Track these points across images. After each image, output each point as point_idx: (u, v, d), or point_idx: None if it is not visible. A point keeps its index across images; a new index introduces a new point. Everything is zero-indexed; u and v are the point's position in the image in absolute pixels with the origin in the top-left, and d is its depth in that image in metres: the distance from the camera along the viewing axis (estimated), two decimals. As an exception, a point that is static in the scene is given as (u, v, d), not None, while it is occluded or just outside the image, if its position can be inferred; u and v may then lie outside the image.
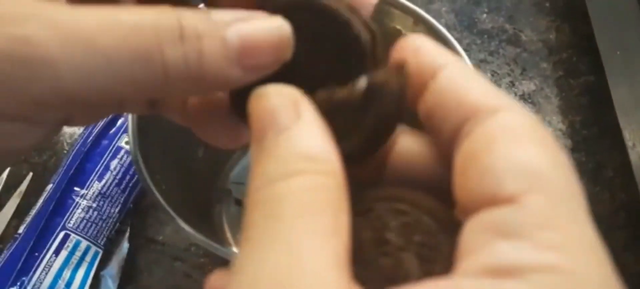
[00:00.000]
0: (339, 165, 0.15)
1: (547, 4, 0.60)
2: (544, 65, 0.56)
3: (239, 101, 0.19)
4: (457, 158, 0.15)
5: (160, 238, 0.47)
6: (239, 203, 0.45)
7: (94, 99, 0.15)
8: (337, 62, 0.18)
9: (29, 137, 0.17)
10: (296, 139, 0.14)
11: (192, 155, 0.42)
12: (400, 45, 0.17)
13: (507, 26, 0.58)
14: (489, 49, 0.57)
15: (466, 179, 0.14)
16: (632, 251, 0.44)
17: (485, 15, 0.59)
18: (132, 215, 0.47)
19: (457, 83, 0.16)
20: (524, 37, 0.58)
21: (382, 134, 0.17)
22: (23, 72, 0.14)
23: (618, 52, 0.48)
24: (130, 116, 0.34)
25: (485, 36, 0.58)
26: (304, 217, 0.13)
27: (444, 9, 0.60)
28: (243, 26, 0.16)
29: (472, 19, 0.59)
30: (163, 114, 0.22)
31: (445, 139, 0.16)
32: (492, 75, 0.55)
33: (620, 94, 0.47)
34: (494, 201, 0.13)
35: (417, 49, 0.17)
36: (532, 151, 0.14)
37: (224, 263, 0.44)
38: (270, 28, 0.17)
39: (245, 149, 0.46)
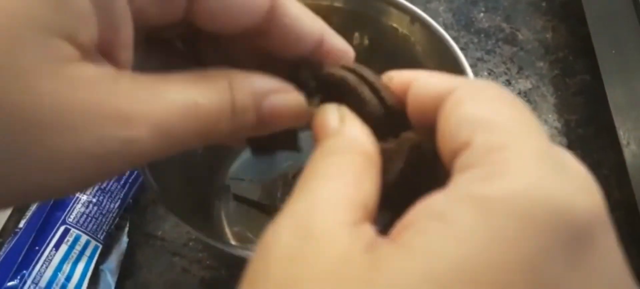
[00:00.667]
0: (373, 149, 0.19)
1: (544, 4, 0.60)
2: (540, 64, 0.56)
3: (254, 139, 0.24)
4: (437, 137, 0.18)
5: (160, 233, 0.47)
6: (238, 199, 0.45)
7: (156, 158, 0.19)
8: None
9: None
10: (339, 134, 0.19)
11: (191, 151, 0.42)
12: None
13: (504, 25, 0.59)
14: (485, 47, 0.57)
15: (442, 147, 0.17)
16: (627, 249, 0.45)
17: (482, 14, 0.60)
18: (132, 211, 0.47)
19: (423, 86, 0.19)
20: (520, 36, 0.58)
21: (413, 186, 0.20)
22: (121, 161, 0.17)
23: (613, 52, 0.49)
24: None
25: (482, 35, 0.58)
26: (326, 176, 0.17)
27: (441, 8, 0.60)
28: (275, 99, 0.20)
29: (470, 18, 0.59)
30: None
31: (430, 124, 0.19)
32: (489, 73, 0.56)
33: (615, 93, 0.48)
34: (456, 152, 0.16)
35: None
36: (475, 105, 0.17)
37: (221, 258, 0.44)
38: (294, 101, 0.21)
39: (237, 151, 0.47)
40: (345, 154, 0.18)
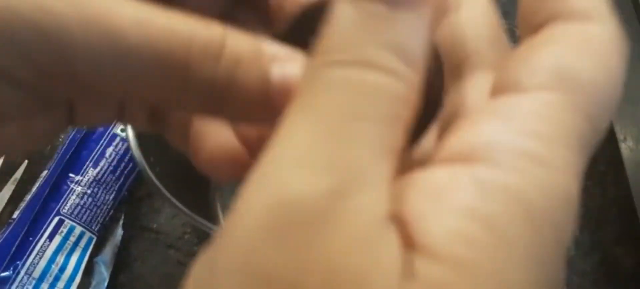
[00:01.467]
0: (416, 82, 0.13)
1: None
2: (538, 60, 0.56)
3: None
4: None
5: (154, 225, 0.47)
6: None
7: (100, 86, 0.14)
8: None
9: (33, 127, 0.16)
10: (372, 30, 0.12)
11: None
12: None
13: (502, 22, 0.59)
14: (483, 44, 0.57)
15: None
16: (623, 245, 0.45)
17: (480, 10, 0.60)
18: (127, 203, 0.47)
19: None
20: (518, 33, 0.58)
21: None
22: (40, 42, 0.13)
23: (611, 48, 0.49)
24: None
25: (481, 31, 0.58)
26: (366, 116, 0.11)
27: None
28: (291, 67, 0.14)
29: (468, 14, 0.59)
30: (164, 135, 0.20)
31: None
32: (487, 70, 0.56)
33: (612, 89, 0.48)
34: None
35: None
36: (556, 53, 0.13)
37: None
38: None
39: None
40: (387, 75, 0.12)
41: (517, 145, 0.11)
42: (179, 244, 0.46)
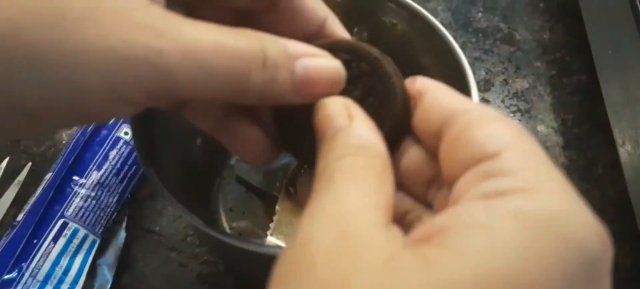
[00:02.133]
0: (385, 150, 0.19)
1: (542, 4, 0.61)
2: (538, 64, 0.56)
3: (280, 115, 0.24)
4: (443, 146, 0.19)
5: (157, 228, 0.47)
6: (239, 180, 0.45)
7: (191, 99, 0.20)
8: (371, 97, 0.22)
9: (121, 113, 0.20)
10: (350, 134, 0.19)
11: (190, 143, 0.42)
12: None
13: (502, 25, 0.59)
14: (483, 47, 0.58)
15: (453, 155, 0.18)
16: (621, 246, 0.45)
17: (480, 14, 0.60)
18: (130, 205, 0.47)
19: (440, 98, 0.20)
20: (518, 36, 0.58)
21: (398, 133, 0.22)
22: (151, 74, 0.18)
23: (609, 52, 0.49)
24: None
25: (480, 35, 0.59)
26: (352, 179, 0.17)
27: (440, 7, 0.61)
28: (308, 62, 0.20)
29: (468, 17, 0.60)
30: (187, 118, 0.25)
31: (429, 140, 0.20)
32: (487, 73, 0.56)
33: (610, 93, 0.48)
34: (479, 160, 0.17)
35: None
36: (502, 127, 0.18)
37: (218, 253, 0.44)
38: (330, 67, 0.21)
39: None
40: (362, 156, 0.18)
41: (520, 186, 0.16)
42: (181, 247, 0.46)
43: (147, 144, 0.33)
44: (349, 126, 0.19)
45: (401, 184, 0.21)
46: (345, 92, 0.21)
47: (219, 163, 0.46)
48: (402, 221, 0.21)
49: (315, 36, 0.23)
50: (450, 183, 0.18)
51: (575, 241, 0.15)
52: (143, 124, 0.34)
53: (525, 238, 0.14)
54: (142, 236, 0.47)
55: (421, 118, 0.21)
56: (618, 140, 0.47)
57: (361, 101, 0.21)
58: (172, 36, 0.18)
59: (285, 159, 0.46)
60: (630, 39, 0.46)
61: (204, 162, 0.44)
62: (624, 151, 0.46)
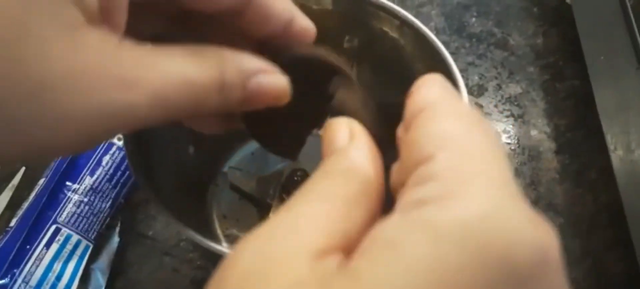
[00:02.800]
0: (375, 177, 0.18)
1: (535, 10, 0.61)
2: (531, 69, 0.57)
3: (248, 117, 0.26)
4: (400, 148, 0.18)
5: (150, 233, 0.47)
6: (233, 188, 0.45)
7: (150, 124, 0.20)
8: (315, 91, 0.24)
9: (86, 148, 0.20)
10: (342, 156, 0.19)
11: (183, 152, 0.42)
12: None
13: (496, 30, 0.59)
14: (477, 52, 0.58)
15: (401, 157, 0.18)
16: (613, 251, 0.45)
17: (474, 19, 0.60)
18: (123, 210, 0.47)
19: (417, 93, 0.19)
20: (511, 41, 0.59)
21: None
22: (121, 123, 0.18)
23: (602, 58, 0.49)
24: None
25: (474, 39, 0.59)
26: (313, 200, 0.17)
27: (433, 12, 0.61)
28: (261, 79, 0.21)
29: (462, 22, 0.60)
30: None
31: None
32: (480, 78, 0.56)
33: (603, 98, 0.48)
34: (417, 163, 0.16)
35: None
36: (449, 123, 0.17)
37: (212, 258, 0.44)
38: (278, 84, 0.22)
39: (241, 142, 0.47)
40: (341, 177, 0.18)
41: (441, 191, 0.15)
42: (174, 252, 0.46)
43: (140, 153, 0.33)
44: (346, 148, 0.19)
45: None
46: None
47: (212, 171, 0.46)
48: None
49: (282, 33, 0.24)
50: (402, 186, 0.17)
51: (495, 251, 0.13)
52: (135, 133, 0.34)
53: (433, 255, 0.13)
54: (135, 241, 0.47)
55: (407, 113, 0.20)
56: (610, 145, 0.47)
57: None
58: (143, 86, 0.18)
59: (278, 166, 0.46)
60: (622, 45, 0.46)
61: (197, 170, 0.44)
62: (616, 157, 0.46)
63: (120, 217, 0.47)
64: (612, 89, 0.48)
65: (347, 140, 0.19)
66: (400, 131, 0.19)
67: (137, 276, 0.45)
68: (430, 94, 0.18)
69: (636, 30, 0.43)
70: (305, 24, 0.24)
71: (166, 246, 0.46)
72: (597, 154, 0.50)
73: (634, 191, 0.45)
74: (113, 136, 0.21)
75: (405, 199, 0.15)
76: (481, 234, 0.13)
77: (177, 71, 0.19)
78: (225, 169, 0.46)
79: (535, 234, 0.14)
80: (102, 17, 0.18)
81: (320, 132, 0.21)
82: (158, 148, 0.37)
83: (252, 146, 0.47)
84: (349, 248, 0.16)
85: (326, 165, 0.18)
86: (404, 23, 0.35)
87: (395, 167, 0.18)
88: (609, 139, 0.47)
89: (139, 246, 0.46)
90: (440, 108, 0.18)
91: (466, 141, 0.16)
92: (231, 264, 0.15)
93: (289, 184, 0.42)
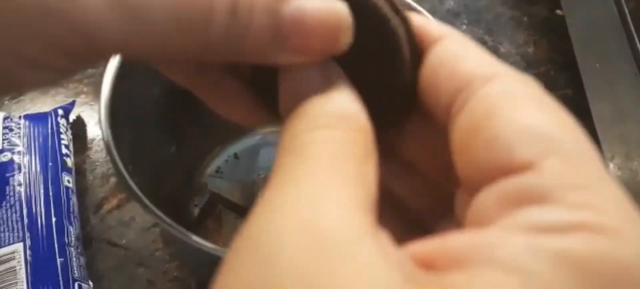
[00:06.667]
0: (368, 124, 0.14)
1: (525, 19, 0.60)
2: (523, 78, 0.56)
3: (259, 76, 0.18)
4: (455, 133, 0.14)
5: (123, 241, 0.44)
6: (215, 198, 0.42)
7: (126, 56, 0.15)
8: (375, 54, 0.17)
9: (39, 80, 0.16)
10: (326, 99, 0.14)
11: (164, 150, 0.40)
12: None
13: (486, 38, 0.58)
14: (468, 60, 0.57)
15: (470, 153, 0.13)
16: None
17: (464, 26, 0.59)
18: (93, 217, 0.44)
19: (452, 54, 0.15)
20: (502, 50, 0.58)
21: (404, 101, 0.17)
22: (62, 27, 0.13)
23: (597, 65, 0.48)
24: (102, 107, 0.31)
25: (465, 47, 0.58)
26: (329, 163, 0.13)
27: (423, 19, 0.60)
28: (304, 2, 0.14)
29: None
30: (163, 71, 0.20)
31: (441, 117, 0.15)
32: (472, 85, 0.55)
33: (599, 107, 0.48)
34: (508, 170, 0.12)
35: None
36: (538, 114, 0.13)
37: (190, 268, 0.41)
38: (334, 11, 0.15)
39: (223, 144, 0.44)
40: (341, 130, 0.14)
41: (580, 220, 0.12)
42: (149, 262, 0.43)
43: (121, 152, 0.30)
44: (327, 89, 0.15)
45: (412, 166, 0.17)
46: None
47: (196, 172, 0.43)
48: (410, 214, 0.18)
49: None
50: (468, 188, 0.14)
51: None
52: (114, 125, 0.31)
53: None
54: (106, 250, 0.43)
55: (428, 82, 0.15)
56: (607, 155, 0.46)
57: (351, 61, 0.16)
58: None
59: (264, 171, 0.43)
60: (619, 51, 0.45)
61: (179, 167, 0.41)
62: (614, 166, 0.45)
63: (91, 223, 0.43)
64: (608, 97, 0.47)
65: (326, 82, 0.15)
66: (428, 82, 0.15)
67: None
68: (482, 64, 0.14)
69: (635, 35, 0.43)
70: None
71: (140, 256, 0.43)
72: (593, 164, 0.48)
73: (633, 200, 0.44)
74: (57, 52, 0.13)
75: (507, 217, 0.12)
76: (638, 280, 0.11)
77: None
78: (205, 177, 0.43)
79: None
80: None
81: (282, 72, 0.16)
82: (137, 147, 0.34)
83: (236, 147, 0.44)
84: (376, 215, 0.13)
85: (310, 115, 0.14)
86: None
87: (457, 152, 0.14)
88: (605, 148, 0.46)
89: (110, 257, 0.43)
90: (518, 88, 0.14)
91: (567, 142, 0.13)
92: (273, 263, 0.11)
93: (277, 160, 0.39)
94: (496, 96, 0.13)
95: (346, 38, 0.15)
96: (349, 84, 0.15)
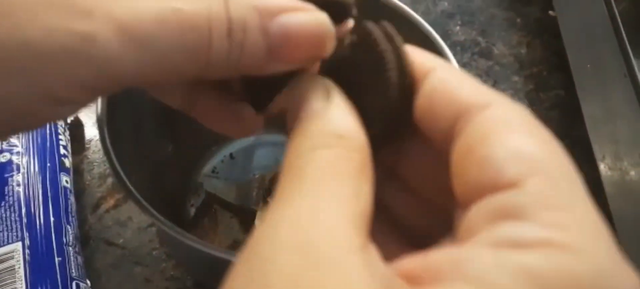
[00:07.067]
0: (365, 143, 0.16)
1: (519, 20, 0.61)
2: (515, 78, 0.56)
3: (250, 85, 0.20)
4: (454, 155, 0.15)
5: (121, 241, 0.44)
6: (211, 198, 0.43)
7: (136, 84, 0.16)
8: (366, 75, 0.18)
9: (57, 115, 0.17)
10: (326, 120, 0.16)
11: (161, 151, 0.40)
12: None
13: (480, 39, 0.59)
14: (462, 60, 0.57)
15: (465, 172, 0.15)
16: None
17: (458, 27, 0.60)
18: (91, 216, 0.44)
19: (447, 83, 0.16)
20: (496, 51, 0.58)
21: (398, 122, 0.18)
22: (83, 66, 0.14)
23: (588, 66, 0.49)
24: (100, 108, 0.32)
25: (459, 48, 0.58)
26: (326, 181, 0.14)
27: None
28: (287, 18, 0.16)
29: (446, 31, 0.59)
30: (160, 98, 0.21)
31: (439, 141, 0.16)
32: (465, 86, 0.55)
33: (590, 108, 0.48)
34: (495, 187, 0.14)
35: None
36: (527, 139, 0.14)
37: (186, 267, 0.42)
38: (315, 22, 0.16)
39: (219, 145, 0.45)
40: (339, 148, 0.15)
41: (548, 238, 0.13)
42: (146, 261, 0.43)
43: (119, 155, 0.31)
44: (326, 109, 0.16)
45: (414, 187, 0.18)
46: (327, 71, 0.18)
47: (193, 172, 0.44)
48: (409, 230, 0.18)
49: None
50: (463, 206, 0.15)
51: None
52: (111, 125, 0.31)
53: None
54: (104, 249, 0.44)
55: (424, 109, 0.16)
56: (598, 155, 0.46)
57: (347, 81, 0.17)
58: (104, 13, 0.14)
59: (261, 169, 0.44)
60: (609, 52, 0.46)
61: (176, 166, 0.42)
62: (605, 166, 0.46)
63: (89, 223, 0.44)
64: (599, 97, 0.48)
65: (325, 101, 0.16)
66: (422, 107, 0.16)
67: (105, 287, 0.42)
68: (478, 94, 0.15)
69: (624, 36, 0.43)
70: None
71: (137, 255, 0.43)
72: (585, 164, 0.49)
73: (623, 200, 0.44)
74: (74, 86, 0.15)
75: (486, 231, 0.13)
76: None
77: (155, 2, 0.15)
78: (201, 177, 0.44)
79: None
80: None
81: (286, 89, 0.17)
82: (135, 147, 0.34)
83: (232, 147, 0.45)
84: (368, 230, 0.14)
85: (308, 133, 0.15)
86: (398, 15, 0.34)
87: (454, 173, 0.15)
88: (596, 148, 0.47)
89: (107, 255, 0.43)
90: (511, 115, 0.15)
91: (551, 165, 0.14)
92: (266, 273, 0.12)
93: (273, 188, 0.39)
94: (491, 122, 0.15)
95: (330, 44, 0.17)
96: (348, 103, 0.16)
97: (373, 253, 0.13)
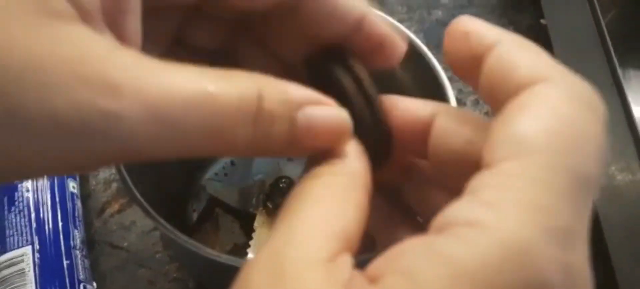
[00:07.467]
0: (362, 168, 0.17)
1: (511, 28, 0.62)
2: (508, 85, 0.58)
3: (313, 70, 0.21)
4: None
5: (125, 244, 0.46)
6: (213, 201, 0.44)
7: (151, 158, 0.16)
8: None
9: (72, 173, 0.18)
10: (328, 155, 0.17)
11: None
12: (449, 32, 0.18)
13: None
14: (455, 68, 0.59)
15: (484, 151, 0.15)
16: (592, 264, 0.46)
17: (452, 36, 0.61)
18: (97, 220, 0.46)
19: (504, 63, 0.16)
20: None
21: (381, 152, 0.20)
22: (105, 142, 0.14)
23: (577, 74, 0.50)
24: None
25: (452, 56, 0.59)
26: (309, 202, 0.16)
27: (413, 28, 0.62)
28: (312, 111, 0.17)
29: (440, 39, 0.60)
30: None
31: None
32: (459, 93, 0.57)
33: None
34: (485, 164, 0.14)
35: (467, 35, 0.18)
36: (532, 122, 0.14)
37: (189, 270, 0.43)
38: (337, 118, 0.17)
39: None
40: (329, 175, 0.17)
41: (470, 216, 0.14)
42: (150, 264, 0.44)
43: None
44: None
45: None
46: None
47: (196, 174, 0.45)
48: None
49: (349, 37, 0.19)
50: None
51: None
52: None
53: None
54: (108, 252, 0.45)
55: (486, 91, 0.17)
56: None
57: None
58: (133, 92, 0.14)
59: (261, 175, 0.45)
60: (595, 61, 0.47)
61: (181, 171, 0.43)
62: (592, 171, 0.47)
63: (94, 227, 0.45)
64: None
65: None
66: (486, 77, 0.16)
67: (110, 289, 0.43)
68: (534, 69, 0.15)
69: (610, 46, 0.45)
70: (380, 30, 0.19)
71: (141, 258, 0.45)
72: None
73: (611, 205, 0.46)
74: (101, 163, 0.15)
75: (445, 213, 0.14)
76: (496, 277, 0.12)
77: (191, 86, 0.15)
78: (204, 181, 0.45)
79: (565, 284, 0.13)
80: (105, 20, 0.15)
81: None
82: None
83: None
84: (350, 245, 0.15)
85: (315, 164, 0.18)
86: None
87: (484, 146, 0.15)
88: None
89: (112, 258, 0.45)
90: (547, 95, 0.15)
91: (540, 151, 0.14)
92: (243, 286, 0.14)
93: (274, 192, 0.41)
94: (518, 103, 0.15)
95: (347, 138, 0.18)
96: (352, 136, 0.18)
97: (342, 263, 0.14)
